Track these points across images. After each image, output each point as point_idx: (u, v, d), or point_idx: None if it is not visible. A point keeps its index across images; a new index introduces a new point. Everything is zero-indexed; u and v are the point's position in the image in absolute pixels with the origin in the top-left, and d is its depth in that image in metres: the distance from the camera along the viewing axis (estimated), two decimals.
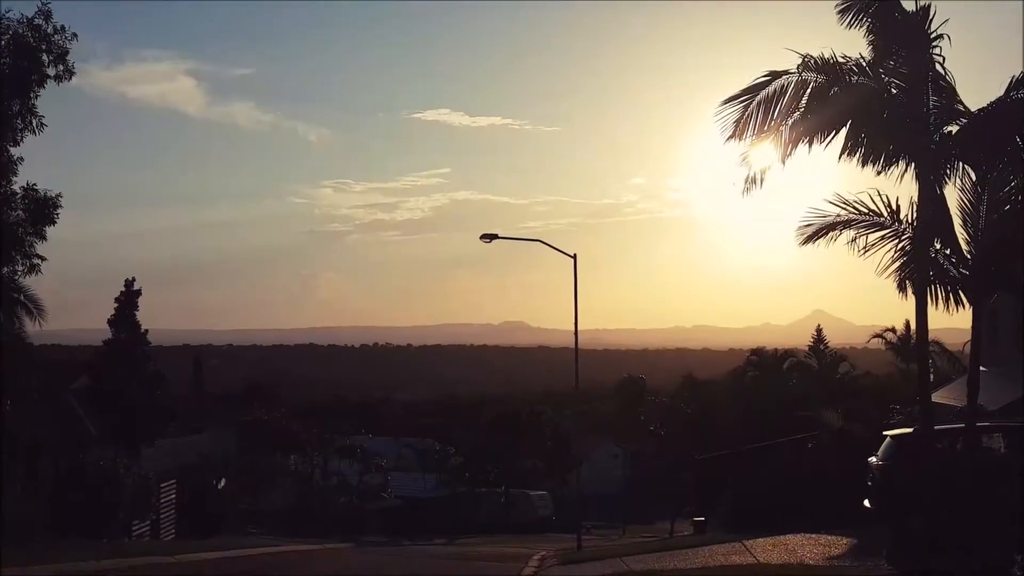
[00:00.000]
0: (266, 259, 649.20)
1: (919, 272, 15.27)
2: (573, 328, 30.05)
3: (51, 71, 20.36)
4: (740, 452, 28.50)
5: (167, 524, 34.40)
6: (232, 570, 20.04)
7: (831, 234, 16.04)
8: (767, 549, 17.06)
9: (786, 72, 15.10)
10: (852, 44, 15.61)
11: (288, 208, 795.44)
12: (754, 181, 15.92)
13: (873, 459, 18.40)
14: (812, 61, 15.03)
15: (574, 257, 29.78)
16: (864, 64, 15.35)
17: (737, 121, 15.34)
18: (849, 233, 15.94)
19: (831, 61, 15.05)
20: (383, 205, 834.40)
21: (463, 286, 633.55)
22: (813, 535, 18.30)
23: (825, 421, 27.48)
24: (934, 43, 15.06)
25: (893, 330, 46.42)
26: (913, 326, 18.51)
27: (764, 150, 15.66)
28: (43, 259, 21.59)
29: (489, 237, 29.98)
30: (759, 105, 15.19)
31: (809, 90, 15.07)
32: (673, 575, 15.14)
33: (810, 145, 15.46)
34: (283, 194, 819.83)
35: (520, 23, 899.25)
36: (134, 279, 29.27)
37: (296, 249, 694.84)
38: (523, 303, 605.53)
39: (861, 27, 15.36)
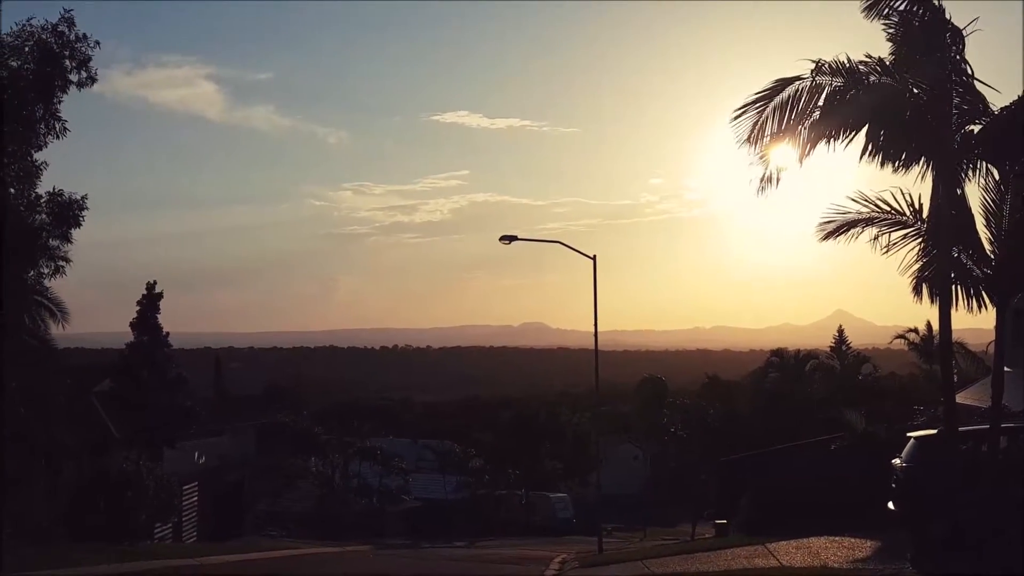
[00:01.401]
0: (286, 262, 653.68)
1: (940, 272, 15.14)
2: (592, 329, 29.99)
3: (74, 77, 20.52)
4: (762, 454, 28.33)
5: (189, 526, 34.62)
6: (252, 572, 20.12)
7: (852, 231, 15.94)
8: (790, 552, 16.95)
9: (798, 78, 15.01)
10: (868, 44, 15.54)
11: (308, 211, 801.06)
12: (770, 180, 15.84)
13: (897, 461, 18.23)
14: (826, 65, 14.93)
15: (593, 258, 29.71)
16: (885, 64, 15.24)
17: (753, 126, 15.27)
18: (871, 231, 15.84)
19: (846, 64, 14.95)
20: (402, 207, 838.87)
21: (482, 288, 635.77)
22: (836, 538, 18.15)
23: (848, 422, 27.26)
24: (957, 41, 14.92)
25: (915, 331, 46.04)
26: (936, 327, 18.32)
27: (781, 150, 15.60)
28: (68, 261, 21.76)
29: (508, 239, 29.90)
30: (774, 111, 15.11)
31: (824, 93, 14.98)
32: None
33: (829, 146, 15.36)
34: (303, 197, 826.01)
35: (537, 24, 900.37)
36: (155, 282, 29.45)
37: (316, 252, 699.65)
38: (542, 304, 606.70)
39: (883, 24, 15.25)
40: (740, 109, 15.22)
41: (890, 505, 17.95)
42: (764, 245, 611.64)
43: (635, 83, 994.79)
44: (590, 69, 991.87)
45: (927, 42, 15.05)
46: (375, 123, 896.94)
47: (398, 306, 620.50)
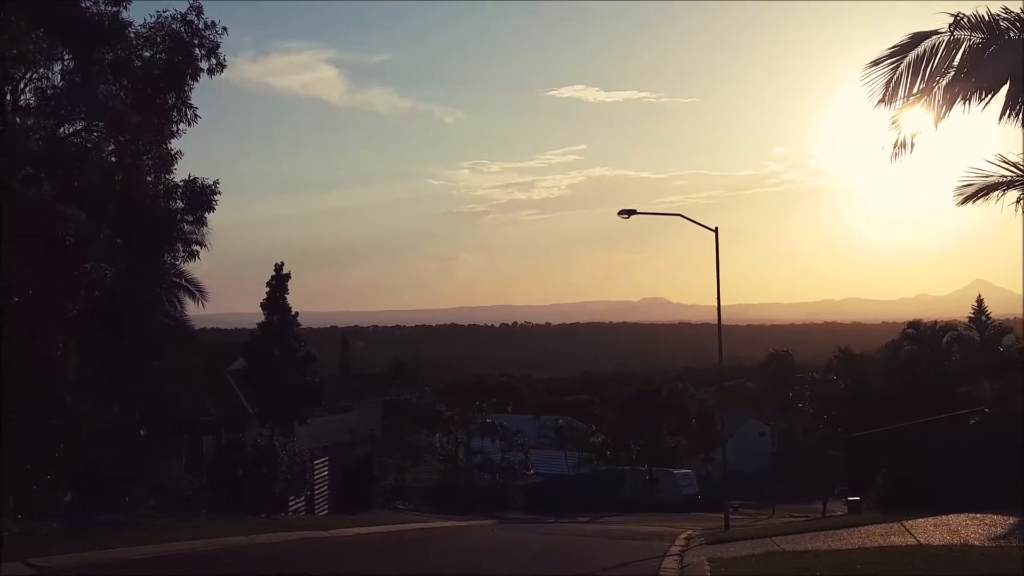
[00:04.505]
0: (407, 241, 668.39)
1: None
2: (715, 303, 29.41)
3: (203, 65, 21.26)
4: (897, 429, 27.30)
5: (321, 499, 35.77)
6: (381, 543, 20.65)
7: (993, 194, 15.18)
8: (928, 529, 16.29)
9: (935, 32, 14.36)
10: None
11: (426, 190, 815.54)
12: (903, 146, 15.19)
13: None
14: (965, 19, 14.14)
15: (715, 231, 29.04)
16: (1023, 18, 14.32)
17: (887, 84, 14.63)
18: (1013, 194, 15.04)
19: (985, 18, 14.11)
20: (519, 184, 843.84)
21: (601, 263, 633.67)
22: (976, 515, 17.36)
23: (989, 396, 26.00)
24: None
25: None
26: None
27: (915, 113, 14.90)
28: (202, 245, 22.64)
29: (627, 213, 29.45)
30: (908, 67, 14.48)
31: (963, 49, 14.20)
32: (828, 556, 14.59)
33: (965, 106, 14.56)
34: (421, 177, 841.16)
35: None
36: (283, 263, 30.23)
37: (435, 231, 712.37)
38: (662, 279, 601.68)
39: None
40: (872, 64, 14.58)
41: None
42: (897, 214, 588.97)
43: (756, 49, 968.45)
44: (707, 36, 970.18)
45: None
46: (491, 101, 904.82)
47: (516, 283, 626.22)
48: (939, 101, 14.60)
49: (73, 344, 16.75)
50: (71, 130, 19.88)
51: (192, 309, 24.78)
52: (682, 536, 22.26)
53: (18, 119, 18.90)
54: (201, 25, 20.87)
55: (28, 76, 18.96)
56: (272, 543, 18.27)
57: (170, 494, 23.08)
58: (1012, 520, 16.54)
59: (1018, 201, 15.04)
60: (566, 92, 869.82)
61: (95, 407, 17.95)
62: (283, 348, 29.59)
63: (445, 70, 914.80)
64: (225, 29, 21.13)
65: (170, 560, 14.75)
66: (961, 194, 15.46)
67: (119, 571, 13.43)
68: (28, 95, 19.42)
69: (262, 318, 30.10)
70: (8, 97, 18.91)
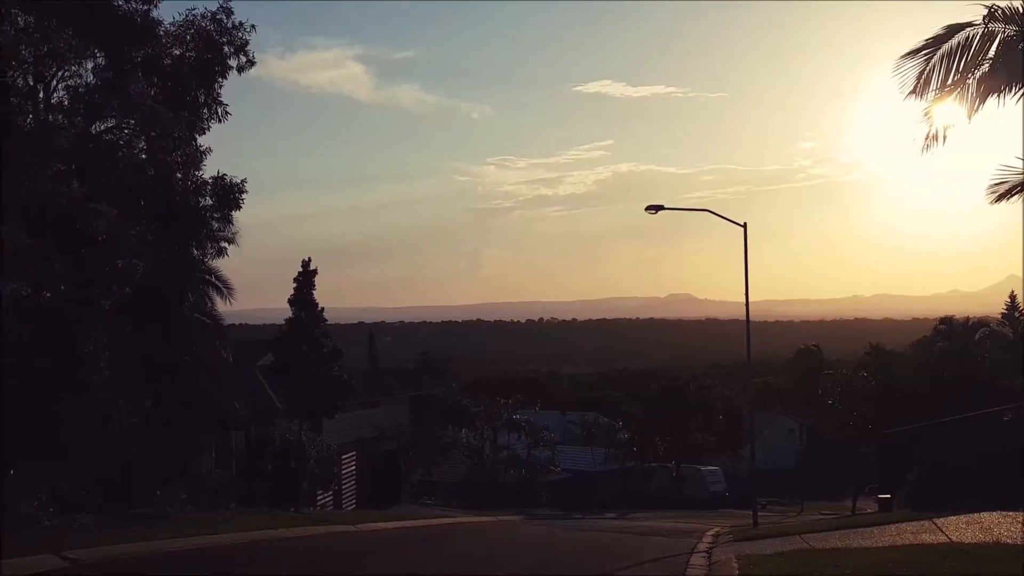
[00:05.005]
0: (433, 237, 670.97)
1: None
2: (743, 299, 29.19)
3: (233, 62, 21.44)
4: (929, 426, 27.00)
5: (348, 494, 35.97)
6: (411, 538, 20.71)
7: None
8: (960, 527, 16.07)
9: (969, 24, 14.16)
10: None
11: (452, 186, 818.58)
12: (935, 138, 14.99)
13: None
14: (999, 11, 13.95)
15: (744, 226, 28.84)
16: None
17: (919, 76, 14.45)
18: None
19: (1021, 11, 13.93)
20: (546, 180, 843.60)
21: (628, 259, 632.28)
22: (1010, 513, 17.08)
23: (1023, 391, 25.65)
24: None
25: None
26: None
27: (947, 106, 14.72)
28: (230, 242, 22.79)
29: (655, 208, 29.30)
30: (941, 59, 14.30)
31: (997, 42, 14.02)
32: (858, 554, 14.45)
33: (999, 99, 14.35)
34: (447, 173, 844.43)
35: None
36: (310, 259, 30.33)
37: (461, 227, 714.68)
38: (689, 275, 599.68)
39: None
40: (904, 56, 14.42)
41: None
42: (927, 210, 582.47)
43: (785, 43, 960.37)
44: (736, 30, 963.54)
45: None
46: (518, 97, 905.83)
47: (543, 279, 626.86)
48: (972, 94, 14.42)
49: (105, 339, 16.92)
50: (103, 127, 20.07)
51: (221, 305, 24.94)
52: (710, 533, 22.13)
53: (50, 116, 19.11)
54: (230, 24, 21.09)
55: (60, 74, 19.19)
56: (300, 537, 18.39)
57: (200, 488, 23.30)
58: None
59: None
60: (593, 87, 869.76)
61: (127, 402, 18.14)
62: (310, 344, 29.71)
63: (471, 66, 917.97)
64: (254, 27, 21.35)
65: (200, 553, 14.88)
66: (994, 192, 15.24)
67: (151, 564, 13.56)
68: (60, 93, 19.67)
69: (289, 314, 30.24)
70: (40, 95, 19.13)
